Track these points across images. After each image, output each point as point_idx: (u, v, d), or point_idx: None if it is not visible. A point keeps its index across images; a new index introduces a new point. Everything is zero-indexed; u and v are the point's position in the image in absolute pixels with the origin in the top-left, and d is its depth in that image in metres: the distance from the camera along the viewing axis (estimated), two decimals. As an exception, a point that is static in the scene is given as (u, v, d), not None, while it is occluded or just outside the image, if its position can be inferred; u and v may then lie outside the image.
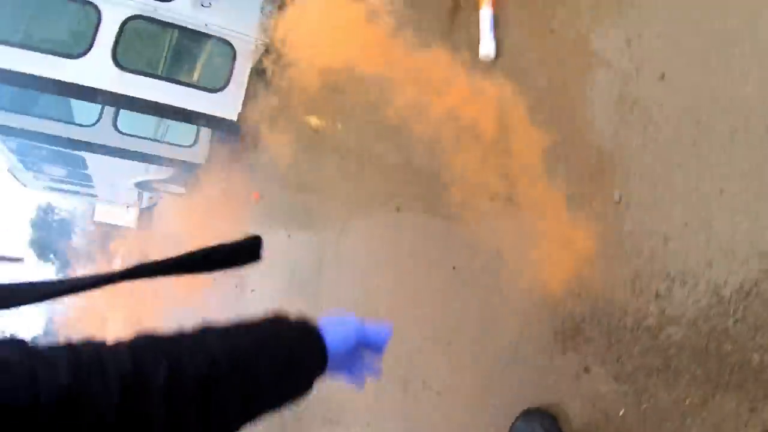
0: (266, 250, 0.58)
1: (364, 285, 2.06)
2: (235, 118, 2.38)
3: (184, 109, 2.26)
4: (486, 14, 1.56)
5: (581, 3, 1.30)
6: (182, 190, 4.87)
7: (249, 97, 2.50)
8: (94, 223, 12.85)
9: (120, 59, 2.35)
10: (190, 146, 3.16)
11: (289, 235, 2.67)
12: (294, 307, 0.61)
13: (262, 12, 2.56)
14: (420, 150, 1.72)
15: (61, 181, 5.96)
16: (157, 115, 2.32)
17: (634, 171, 1.09)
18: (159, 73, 2.47)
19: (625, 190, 1.10)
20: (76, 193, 6.70)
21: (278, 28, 2.18)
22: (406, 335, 1.69)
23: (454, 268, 1.58)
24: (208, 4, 2.43)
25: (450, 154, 1.50)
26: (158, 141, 3.21)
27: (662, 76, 1.07)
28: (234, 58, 2.53)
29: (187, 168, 3.14)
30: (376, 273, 2.00)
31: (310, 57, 1.80)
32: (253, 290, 3.02)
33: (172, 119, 2.32)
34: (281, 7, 2.46)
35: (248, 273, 2.81)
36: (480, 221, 1.47)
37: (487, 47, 1.53)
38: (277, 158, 2.66)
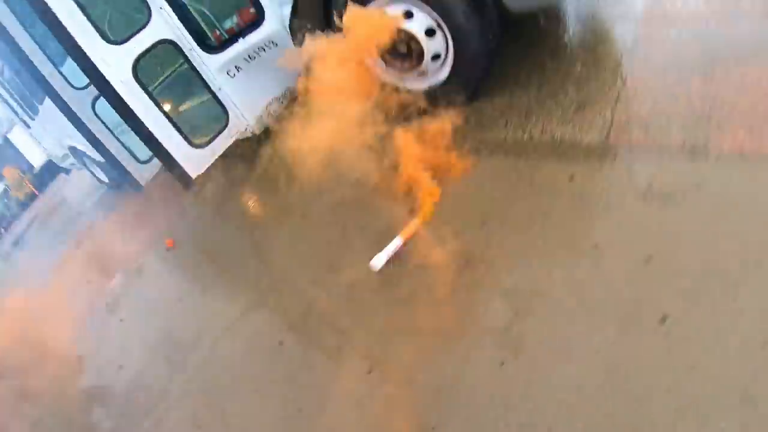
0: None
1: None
2: (193, 177, 2.59)
3: (158, 142, 2.47)
4: (397, 241, 1.99)
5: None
6: (105, 180, 4.86)
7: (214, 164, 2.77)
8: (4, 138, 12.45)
9: (137, 67, 2.60)
10: (141, 162, 3.28)
11: (179, 299, 2.72)
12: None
13: (267, 106, 2.91)
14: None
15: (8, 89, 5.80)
16: (130, 128, 2.50)
17: None
18: (150, 90, 2.65)
19: None
20: (13, 108, 6.43)
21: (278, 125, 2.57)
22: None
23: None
24: (233, 75, 2.77)
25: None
26: (118, 138, 3.34)
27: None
28: (224, 128, 2.82)
29: (124, 178, 3.23)
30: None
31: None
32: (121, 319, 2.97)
33: (140, 139, 2.50)
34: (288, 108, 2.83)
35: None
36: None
37: (378, 260, 1.95)
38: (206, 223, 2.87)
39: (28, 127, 6.50)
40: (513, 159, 2.15)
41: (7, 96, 5.98)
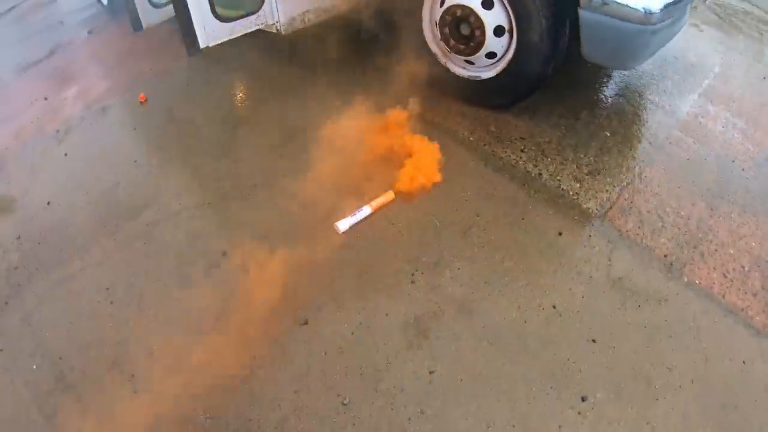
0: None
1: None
2: (201, 46, 2.34)
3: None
4: (366, 210, 1.98)
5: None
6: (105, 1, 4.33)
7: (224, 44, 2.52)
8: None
9: None
10: (153, 4, 2.89)
11: (134, 161, 2.49)
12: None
13: (305, 12, 2.68)
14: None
15: None
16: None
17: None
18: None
19: None
20: None
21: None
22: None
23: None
24: None
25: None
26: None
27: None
28: (253, 12, 2.55)
29: (128, 9, 2.83)
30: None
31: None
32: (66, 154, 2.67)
33: None
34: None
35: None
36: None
37: (343, 224, 2.00)
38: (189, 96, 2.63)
39: None
40: (515, 186, 2.16)
41: None
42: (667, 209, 2.09)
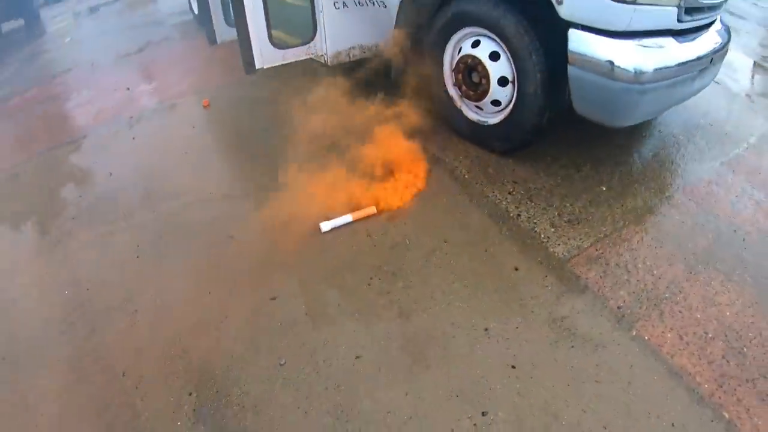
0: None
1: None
2: (257, 67, 2.83)
3: (245, 19, 2.69)
4: (347, 218, 2.27)
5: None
6: (195, 12, 5.29)
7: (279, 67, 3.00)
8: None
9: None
10: (227, 23, 3.51)
11: (185, 152, 3.06)
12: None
13: (350, 48, 3.10)
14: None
15: None
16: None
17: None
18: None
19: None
20: None
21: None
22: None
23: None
24: (338, 7, 2.92)
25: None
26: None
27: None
28: (305, 42, 3.01)
29: (207, 24, 3.47)
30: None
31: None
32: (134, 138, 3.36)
33: (232, 6, 2.71)
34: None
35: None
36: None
37: (326, 225, 2.33)
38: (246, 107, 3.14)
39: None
40: (491, 222, 2.32)
41: None
42: (639, 266, 2.12)
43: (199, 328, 2.02)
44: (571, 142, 2.74)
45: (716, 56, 2.35)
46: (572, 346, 1.84)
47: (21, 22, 8.68)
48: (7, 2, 8.12)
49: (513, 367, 1.78)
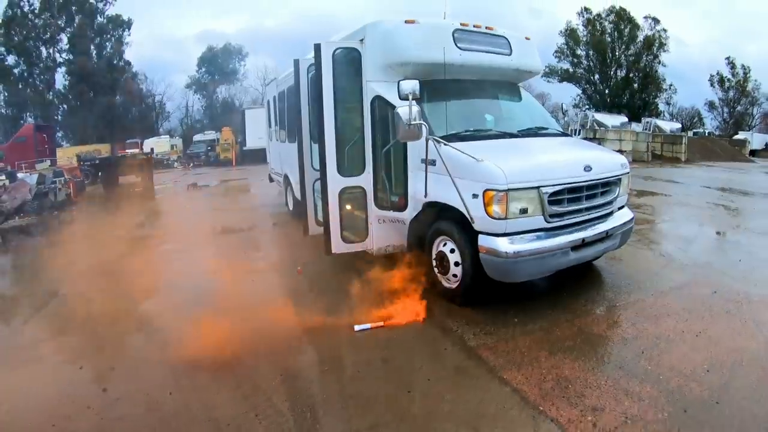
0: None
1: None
2: (332, 251, 5.18)
3: (329, 221, 5.20)
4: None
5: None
6: (291, 208, 8.74)
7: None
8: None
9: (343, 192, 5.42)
10: (317, 221, 6.18)
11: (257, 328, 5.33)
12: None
13: (386, 246, 5.37)
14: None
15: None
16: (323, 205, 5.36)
17: None
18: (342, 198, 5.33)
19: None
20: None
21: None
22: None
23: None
24: (381, 222, 5.32)
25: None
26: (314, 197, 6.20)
27: None
28: (362, 240, 5.37)
29: (302, 216, 6.34)
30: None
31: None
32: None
33: (323, 214, 5.32)
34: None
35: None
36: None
37: (359, 327, 4.09)
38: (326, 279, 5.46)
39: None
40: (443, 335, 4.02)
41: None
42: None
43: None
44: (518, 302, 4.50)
45: (591, 239, 4.37)
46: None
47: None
48: None
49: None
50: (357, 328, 4.15)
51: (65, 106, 43.25)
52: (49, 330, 4.47)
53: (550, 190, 4.17)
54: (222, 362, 3.67)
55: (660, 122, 37.65)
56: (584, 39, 49.92)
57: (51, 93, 42.85)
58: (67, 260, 6.65)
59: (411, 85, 4.22)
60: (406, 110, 4.19)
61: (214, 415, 3.04)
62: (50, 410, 3.10)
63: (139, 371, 3.58)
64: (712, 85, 51.82)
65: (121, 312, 4.78)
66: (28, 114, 41.80)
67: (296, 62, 6.22)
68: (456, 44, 5.06)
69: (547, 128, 5.50)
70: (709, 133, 43.84)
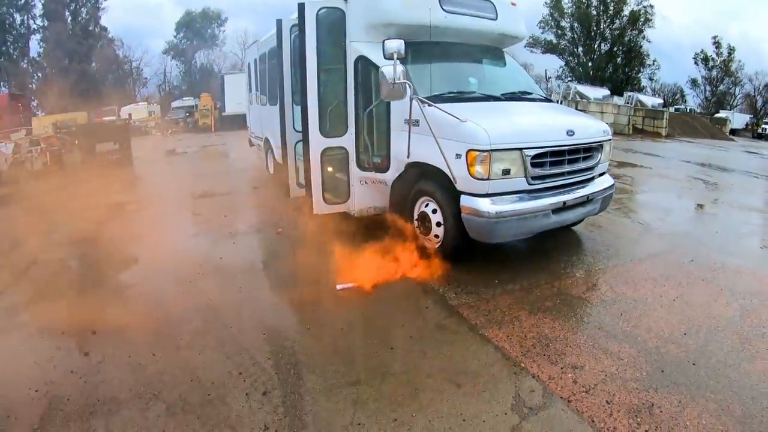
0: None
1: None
2: (314, 212, 5.15)
3: (311, 179, 5.15)
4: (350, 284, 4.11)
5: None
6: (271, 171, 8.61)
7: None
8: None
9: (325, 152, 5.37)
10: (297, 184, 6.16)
11: (240, 289, 5.30)
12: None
13: (369, 208, 5.36)
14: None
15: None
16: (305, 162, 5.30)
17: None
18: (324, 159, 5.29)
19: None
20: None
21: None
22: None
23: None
24: (363, 183, 5.29)
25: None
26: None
27: None
28: (343, 202, 5.36)
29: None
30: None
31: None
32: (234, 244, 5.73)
33: (304, 172, 5.25)
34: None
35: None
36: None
37: (341, 285, 4.10)
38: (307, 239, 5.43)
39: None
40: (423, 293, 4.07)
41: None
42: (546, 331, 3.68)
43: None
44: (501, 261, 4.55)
45: (572, 202, 4.41)
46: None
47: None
48: None
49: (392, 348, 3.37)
50: (339, 286, 4.16)
51: (40, 74, 41.63)
52: (29, 296, 4.38)
53: (533, 152, 4.18)
54: (204, 323, 3.67)
55: (642, 97, 37.69)
56: (569, 11, 49.38)
57: (25, 61, 41.26)
58: (47, 228, 6.51)
59: (396, 45, 4.16)
60: (390, 69, 4.14)
61: (198, 375, 3.05)
62: (32, 376, 3.03)
63: (121, 334, 3.52)
64: (696, 63, 52.09)
65: (102, 277, 4.73)
66: (2, 83, 40.16)
67: (279, 22, 6.08)
68: (441, 6, 4.99)
69: (531, 93, 5.50)
70: (690, 110, 44.22)
